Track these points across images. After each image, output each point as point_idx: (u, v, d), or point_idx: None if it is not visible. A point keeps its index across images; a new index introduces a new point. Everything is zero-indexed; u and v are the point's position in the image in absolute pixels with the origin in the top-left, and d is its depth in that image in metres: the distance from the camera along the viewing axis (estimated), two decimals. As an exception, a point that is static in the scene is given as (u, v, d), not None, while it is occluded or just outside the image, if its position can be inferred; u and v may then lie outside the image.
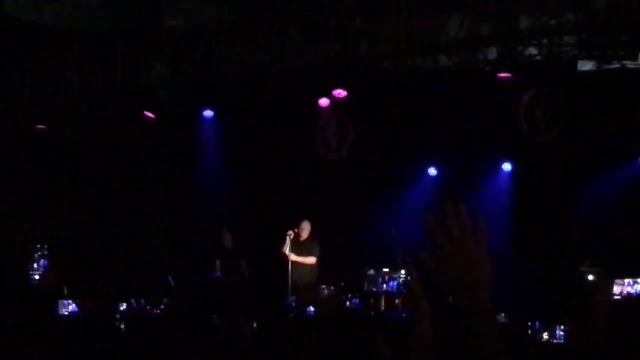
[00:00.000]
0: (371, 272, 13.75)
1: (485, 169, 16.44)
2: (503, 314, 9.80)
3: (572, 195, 15.59)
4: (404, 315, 12.18)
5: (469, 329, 3.22)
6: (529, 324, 8.05)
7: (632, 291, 12.49)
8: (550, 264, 14.37)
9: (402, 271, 13.58)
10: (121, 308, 12.55)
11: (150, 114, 16.49)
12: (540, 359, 8.04)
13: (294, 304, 12.91)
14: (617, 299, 12.04)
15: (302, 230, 14.89)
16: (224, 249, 15.98)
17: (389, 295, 13.28)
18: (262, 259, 15.71)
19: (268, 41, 14.94)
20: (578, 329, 8.30)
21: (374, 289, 13.41)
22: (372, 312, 12.34)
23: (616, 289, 12.29)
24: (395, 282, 13.39)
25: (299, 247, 14.83)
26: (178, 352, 7.39)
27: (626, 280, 12.46)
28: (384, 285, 13.43)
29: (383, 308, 13.33)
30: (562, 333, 8.04)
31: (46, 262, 14.75)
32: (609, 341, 6.54)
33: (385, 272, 13.71)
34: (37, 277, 14.72)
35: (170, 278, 15.27)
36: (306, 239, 14.97)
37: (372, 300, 13.10)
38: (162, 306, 13.07)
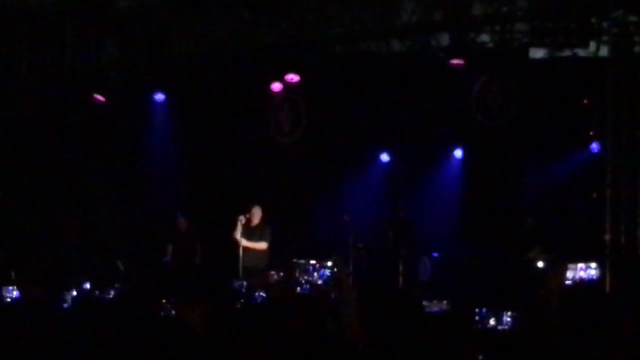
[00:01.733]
0: (302, 261, 13.72)
1: (437, 155, 16.46)
2: (445, 302, 9.83)
3: (522, 181, 15.67)
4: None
5: None
6: (476, 310, 8.08)
7: (585, 276, 12.58)
8: (500, 250, 14.45)
9: (329, 262, 13.58)
10: (72, 293, 12.37)
11: (100, 97, 16.27)
12: (486, 346, 8.07)
13: (244, 289, 12.83)
14: (569, 284, 12.13)
15: (253, 215, 14.79)
16: (178, 234, 15.87)
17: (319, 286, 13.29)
18: (214, 243, 15.62)
19: (220, 23, 14.81)
20: (525, 315, 8.32)
21: (307, 278, 13.38)
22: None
23: (569, 274, 12.37)
24: (325, 270, 13.39)
25: (251, 232, 14.73)
26: (123, 339, 7.28)
27: (579, 265, 12.56)
28: (315, 274, 13.42)
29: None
30: (508, 319, 8.08)
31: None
32: (562, 325, 6.57)
33: (313, 262, 13.71)
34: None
35: (119, 262, 15.13)
36: (258, 224, 14.87)
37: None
38: (111, 291, 12.93)
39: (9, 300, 11.54)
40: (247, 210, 14.76)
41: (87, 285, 12.95)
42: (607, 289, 11.42)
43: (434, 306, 9.79)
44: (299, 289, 12.36)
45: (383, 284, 14.21)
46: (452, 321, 8.15)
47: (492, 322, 8.03)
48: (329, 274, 13.14)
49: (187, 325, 6.43)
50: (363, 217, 15.30)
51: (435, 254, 15.35)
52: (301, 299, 11.19)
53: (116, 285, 13.23)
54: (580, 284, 12.34)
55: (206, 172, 16.82)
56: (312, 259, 13.48)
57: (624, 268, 11.96)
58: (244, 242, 14.59)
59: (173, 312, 7.97)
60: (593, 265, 12.35)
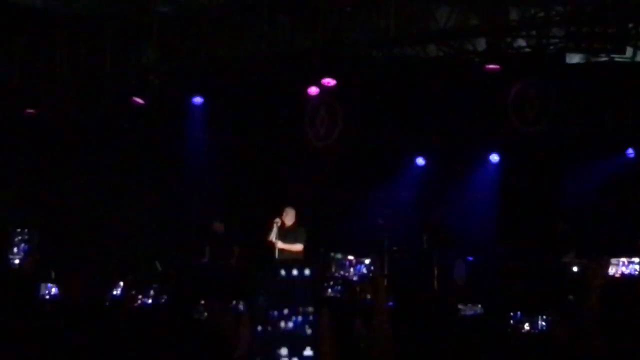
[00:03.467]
0: (339, 256, 13.79)
1: (473, 160, 16.48)
2: (479, 305, 9.86)
3: (559, 186, 15.66)
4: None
5: None
6: (511, 314, 8.10)
7: (627, 271, 12.56)
8: (534, 255, 14.44)
9: (367, 260, 13.65)
10: (113, 293, 12.53)
11: (139, 100, 16.46)
12: (521, 349, 8.10)
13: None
14: (612, 279, 12.09)
15: (286, 216, 14.89)
16: (214, 236, 16.01)
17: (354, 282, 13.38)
18: (251, 246, 15.73)
19: (257, 28, 14.92)
20: (560, 319, 8.34)
21: (342, 273, 13.46)
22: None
23: (611, 270, 12.35)
24: (362, 266, 13.47)
25: (286, 234, 14.81)
26: (160, 342, 7.43)
27: (621, 260, 12.53)
28: (351, 269, 13.49)
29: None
30: (543, 324, 8.09)
31: (27, 246, 14.72)
32: (602, 326, 6.58)
33: (351, 258, 13.77)
34: (17, 261, 14.70)
35: (157, 263, 15.30)
36: (292, 225, 14.95)
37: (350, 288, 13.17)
38: (151, 292, 13.07)
39: (47, 297, 11.71)
40: (279, 212, 14.88)
41: (127, 286, 13.11)
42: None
43: (469, 310, 9.83)
44: (329, 290, 12.41)
45: (418, 287, 14.26)
46: (486, 325, 8.20)
47: (526, 326, 8.06)
48: (365, 271, 13.20)
49: (218, 329, 6.54)
50: (398, 221, 15.37)
51: (470, 258, 15.37)
52: (330, 301, 11.27)
53: (154, 285, 13.40)
54: (622, 279, 12.32)
55: (243, 175, 16.95)
56: (351, 254, 13.55)
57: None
58: (280, 244, 14.69)
59: (206, 314, 8.09)
60: (636, 260, 12.27)
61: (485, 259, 15.24)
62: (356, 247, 14.52)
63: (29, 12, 15.76)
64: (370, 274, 12.95)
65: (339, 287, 12.38)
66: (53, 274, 14.83)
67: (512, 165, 16.16)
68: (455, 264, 15.22)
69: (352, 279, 13.06)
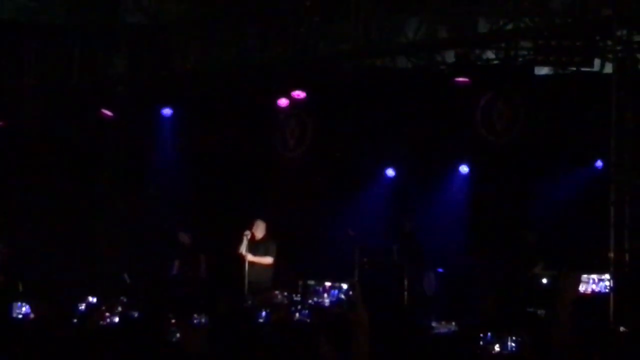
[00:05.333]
0: (312, 282, 13.73)
1: (442, 171, 16.53)
2: (454, 323, 9.87)
3: (527, 198, 15.73)
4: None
5: None
6: (481, 335, 8.11)
7: (597, 289, 12.58)
8: (504, 266, 14.50)
9: (344, 285, 13.61)
10: (80, 308, 12.40)
11: (108, 112, 16.35)
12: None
13: (249, 305, 12.90)
14: (583, 296, 12.10)
15: (256, 229, 14.87)
16: (182, 248, 15.94)
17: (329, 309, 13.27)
18: (219, 257, 15.69)
19: (227, 39, 14.90)
20: (530, 339, 8.35)
21: (315, 300, 13.40)
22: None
23: (582, 287, 12.36)
24: (337, 292, 13.41)
25: (256, 247, 14.81)
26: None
27: (591, 277, 12.55)
28: (325, 295, 13.44)
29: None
30: (513, 345, 8.11)
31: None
32: (574, 338, 6.57)
33: (328, 284, 13.72)
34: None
35: (125, 276, 15.21)
36: (262, 238, 14.95)
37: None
38: (119, 306, 12.94)
39: (20, 316, 11.59)
40: (250, 224, 14.86)
41: (94, 300, 12.98)
42: (612, 307, 11.41)
43: (442, 327, 9.83)
44: (297, 315, 12.33)
45: (388, 299, 14.26)
46: (458, 345, 8.21)
47: (497, 347, 8.07)
48: (342, 296, 13.18)
49: (190, 347, 6.51)
50: (368, 232, 15.37)
51: (441, 269, 15.41)
52: (299, 325, 11.23)
53: (123, 298, 13.28)
54: (593, 297, 12.33)
55: (213, 187, 16.89)
56: (326, 280, 13.52)
57: (629, 286, 11.95)
58: (250, 257, 14.68)
59: (178, 334, 8.04)
60: (606, 277, 12.29)
61: (455, 270, 15.28)
62: (327, 264, 14.51)
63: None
64: (348, 299, 12.90)
65: (306, 312, 12.32)
66: (21, 287, 14.72)
67: (482, 177, 16.22)
68: (425, 275, 15.26)
69: (323, 305, 13.01)
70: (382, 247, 15.65)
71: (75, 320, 10.48)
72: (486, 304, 12.74)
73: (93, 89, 16.07)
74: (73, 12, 15.89)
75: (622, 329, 9.50)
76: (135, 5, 15.82)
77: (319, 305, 13.04)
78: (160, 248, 16.31)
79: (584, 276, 12.40)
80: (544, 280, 13.56)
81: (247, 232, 14.75)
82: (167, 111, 16.80)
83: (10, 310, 11.63)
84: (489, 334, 8.08)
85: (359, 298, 6.10)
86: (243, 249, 14.69)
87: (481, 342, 8.12)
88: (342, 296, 13.17)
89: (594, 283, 12.61)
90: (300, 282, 13.83)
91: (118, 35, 15.62)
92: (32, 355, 7.77)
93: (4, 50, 15.89)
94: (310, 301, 13.17)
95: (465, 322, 9.90)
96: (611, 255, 11.67)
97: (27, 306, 11.55)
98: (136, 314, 11.14)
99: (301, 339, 6.88)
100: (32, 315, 11.26)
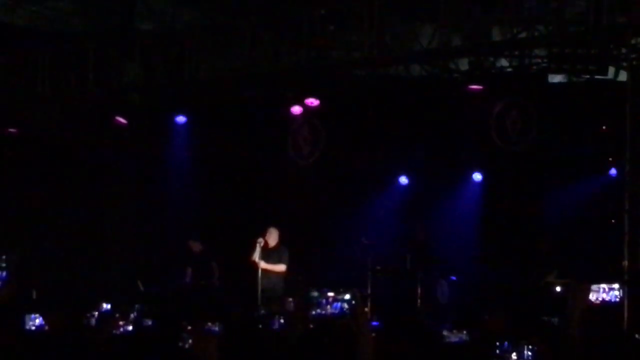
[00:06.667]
0: (315, 294, 13.68)
1: (456, 179, 16.53)
2: (465, 332, 9.84)
3: (541, 205, 15.70)
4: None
5: None
6: (497, 343, 8.09)
7: (608, 298, 12.53)
8: (517, 274, 14.46)
9: (347, 295, 13.57)
10: (92, 318, 12.37)
11: (122, 120, 16.38)
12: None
13: (263, 313, 12.90)
14: (593, 305, 12.06)
15: (269, 236, 14.88)
16: (193, 256, 15.95)
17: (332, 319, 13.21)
18: (232, 265, 15.71)
19: (241, 46, 14.91)
20: (546, 348, 8.32)
21: (318, 311, 13.35)
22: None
23: (592, 296, 12.32)
24: (340, 303, 13.37)
25: (268, 254, 14.82)
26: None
27: (601, 286, 12.50)
28: (328, 307, 13.41)
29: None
30: (530, 353, 8.08)
31: (4, 273, 14.57)
32: (584, 348, 6.55)
33: (330, 295, 13.69)
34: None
35: (139, 283, 15.23)
36: (275, 245, 14.96)
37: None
38: (133, 314, 12.94)
39: (33, 328, 11.56)
40: (263, 232, 14.86)
41: (108, 307, 12.99)
42: (625, 315, 11.37)
43: (454, 336, 9.78)
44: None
45: (401, 308, 14.24)
46: (471, 353, 8.17)
47: (513, 356, 8.03)
48: (346, 306, 13.15)
49: (203, 355, 6.50)
50: (382, 240, 15.37)
51: (454, 277, 15.39)
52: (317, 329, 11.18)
53: (136, 306, 13.29)
54: (602, 306, 12.29)
55: (226, 194, 16.91)
56: (330, 290, 13.49)
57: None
58: (263, 265, 14.68)
59: (191, 342, 8.04)
60: (616, 286, 12.26)
61: (468, 278, 15.26)
62: (338, 272, 14.50)
63: (11, 30, 15.68)
64: (350, 309, 12.84)
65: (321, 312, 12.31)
66: (34, 294, 14.71)
67: (495, 184, 16.20)
68: (438, 283, 15.24)
69: (327, 317, 12.97)
70: (395, 255, 15.64)
71: (88, 329, 10.50)
72: (499, 311, 12.69)
73: (107, 96, 16.09)
74: (87, 20, 15.94)
75: (637, 336, 9.46)
76: (149, 12, 15.85)
77: (322, 317, 12.99)
78: (174, 255, 16.33)
79: (594, 285, 12.36)
80: (558, 289, 13.52)
81: (260, 240, 14.76)
82: (180, 119, 16.83)
83: (23, 322, 11.59)
84: (506, 342, 8.05)
85: (362, 308, 6.08)
86: (256, 256, 14.70)
87: (497, 351, 8.10)
88: (346, 307, 13.13)
89: (604, 292, 12.56)
90: (311, 293, 13.80)
91: (132, 43, 15.63)
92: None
93: (18, 58, 15.92)
94: (313, 312, 13.13)
95: (477, 330, 9.86)
96: (625, 263, 11.62)
97: (40, 318, 11.51)
98: (150, 322, 11.15)
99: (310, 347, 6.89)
100: (46, 328, 11.22)
